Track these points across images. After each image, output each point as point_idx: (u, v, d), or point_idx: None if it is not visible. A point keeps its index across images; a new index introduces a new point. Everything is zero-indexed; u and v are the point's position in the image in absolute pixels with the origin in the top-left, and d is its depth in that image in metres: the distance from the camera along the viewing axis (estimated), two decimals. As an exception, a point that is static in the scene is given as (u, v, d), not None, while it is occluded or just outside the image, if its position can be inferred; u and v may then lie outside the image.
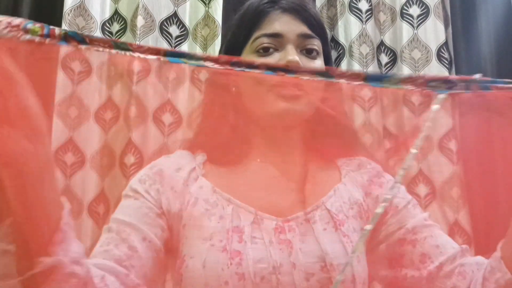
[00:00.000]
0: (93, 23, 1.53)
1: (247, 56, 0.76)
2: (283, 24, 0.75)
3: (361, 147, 0.88)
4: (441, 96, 0.51)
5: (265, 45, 0.74)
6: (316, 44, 0.76)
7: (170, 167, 0.74)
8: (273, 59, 0.74)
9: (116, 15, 1.57)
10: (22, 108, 0.45)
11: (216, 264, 0.64)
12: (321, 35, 0.78)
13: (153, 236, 0.68)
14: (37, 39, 0.47)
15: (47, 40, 0.47)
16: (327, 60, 0.80)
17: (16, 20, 0.46)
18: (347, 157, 0.82)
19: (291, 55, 0.72)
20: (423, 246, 0.72)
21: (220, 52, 0.84)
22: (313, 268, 0.65)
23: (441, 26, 1.59)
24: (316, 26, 0.77)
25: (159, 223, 0.69)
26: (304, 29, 0.75)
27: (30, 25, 0.47)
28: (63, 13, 1.49)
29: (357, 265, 0.68)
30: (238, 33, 0.78)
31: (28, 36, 0.46)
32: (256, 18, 0.76)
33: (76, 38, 0.48)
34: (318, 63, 0.76)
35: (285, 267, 0.64)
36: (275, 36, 0.74)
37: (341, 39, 1.62)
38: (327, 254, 0.66)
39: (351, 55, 1.59)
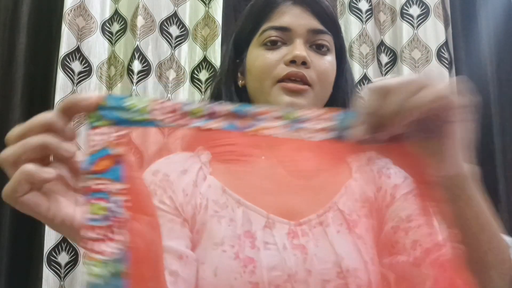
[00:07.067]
0: (93, 23, 1.53)
1: (254, 48, 0.74)
2: (293, 17, 0.72)
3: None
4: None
5: (273, 38, 0.71)
6: (327, 39, 0.73)
7: (175, 169, 0.70)
8: (280, 53, 0.71)
9: (116, 15, 1.57)
10: None
11: (229, 272, 0.60)
12: (333, 30, 0.74)
13: (186, 249, 0.62)
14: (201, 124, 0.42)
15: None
16: (340, 56, 0.77)
17: (170, 104, 0.41)
18: (356, 153, 0.77)
19: (299, 50, 0.69)
20: (416, 233, 0.66)
21: (228, 44, 0.80)
22: (329, 274, 0.61)
23: (441, 26, 1.59)
24: (328, 20, 0.73)
25: (186, 233, 0.64)
26: (315, 23, 0.72)
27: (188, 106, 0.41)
28: (63, 13, 1.48)
29: (372, 268, 0.64)
30: (247, 24, 0.76)
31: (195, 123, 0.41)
32: (265, 9, 0.73)
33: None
34: (328, 59, 0.73)
35: (300, 274, 0.61)
36: (284, 29, 0.71)
37: (341, 39, 1.62)
38: (342, 259, 0.62)
39: (351, 55, 1.59)
